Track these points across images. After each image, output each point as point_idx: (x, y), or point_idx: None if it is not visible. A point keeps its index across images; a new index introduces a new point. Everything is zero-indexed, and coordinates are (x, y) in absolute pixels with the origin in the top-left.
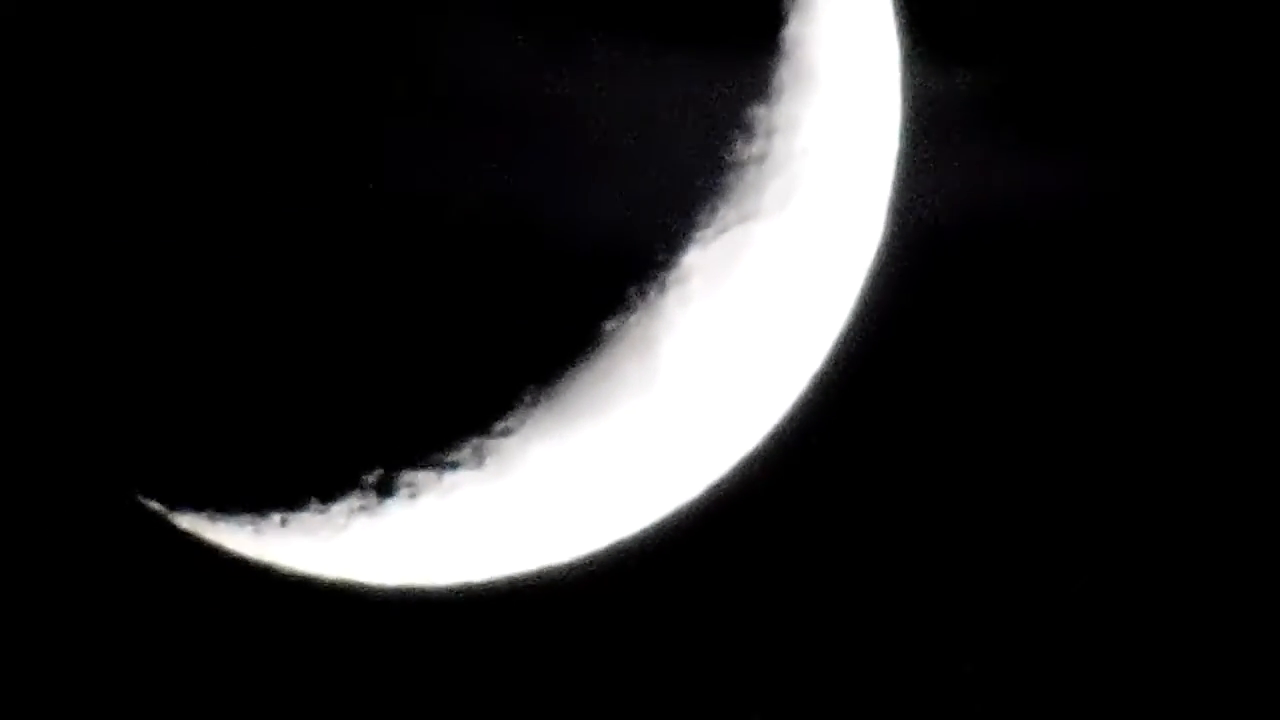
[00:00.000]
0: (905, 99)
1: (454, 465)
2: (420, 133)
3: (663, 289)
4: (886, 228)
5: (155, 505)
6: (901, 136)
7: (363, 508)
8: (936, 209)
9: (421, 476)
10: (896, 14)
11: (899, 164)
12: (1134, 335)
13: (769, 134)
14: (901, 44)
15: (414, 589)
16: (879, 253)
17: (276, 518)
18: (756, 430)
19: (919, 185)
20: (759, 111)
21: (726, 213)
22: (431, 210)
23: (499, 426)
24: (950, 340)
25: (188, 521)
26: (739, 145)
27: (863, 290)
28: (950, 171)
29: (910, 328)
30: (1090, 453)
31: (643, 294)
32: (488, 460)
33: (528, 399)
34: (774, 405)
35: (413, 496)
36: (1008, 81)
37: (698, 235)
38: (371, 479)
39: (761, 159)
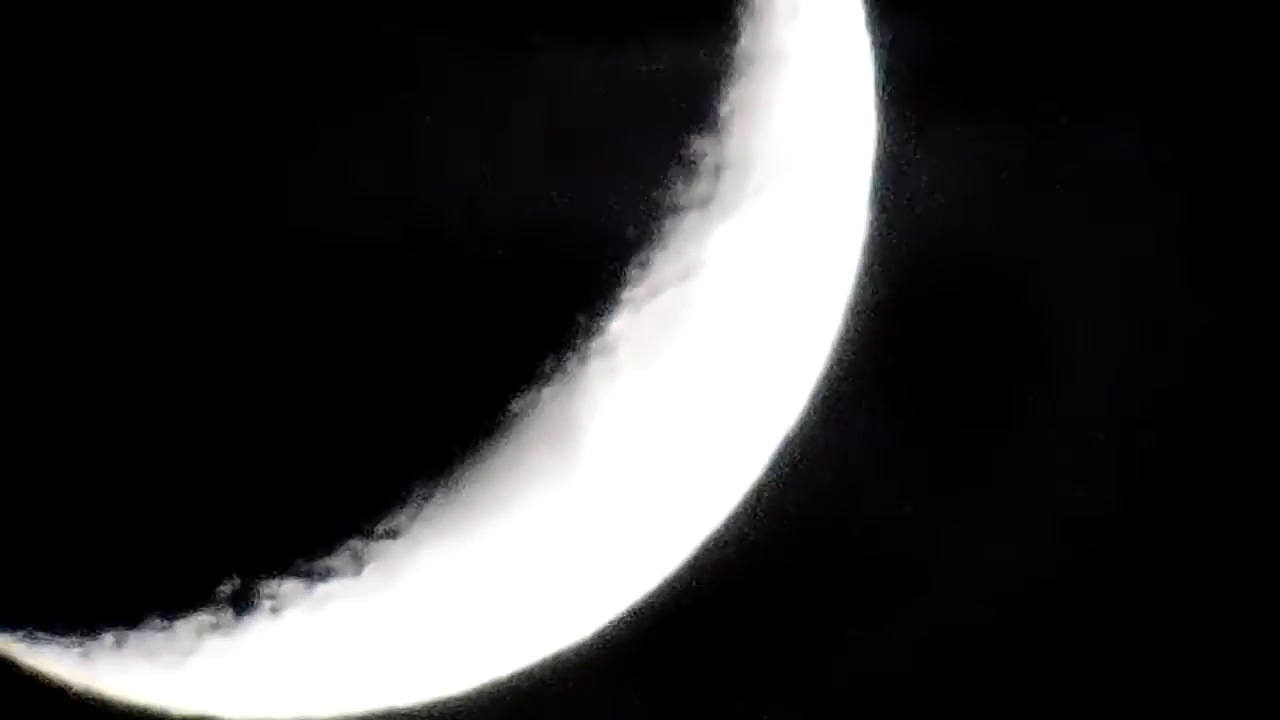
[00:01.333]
0: (883, 125)
1: (326, 573)
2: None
3: (584, 360)
4: (861, 282)
5: None
6: (878, 169)
7: (215, 625)
8: (922, 255)
9: (287, 587)
10: (870, 28)
11: (876, 205)
12: (1130, 317)
13: (715, 171)
14: (877, 61)
15: None
16: (850, 314)
17: (109, 638)
18: (700, 530)
19: (899, 228)
20: (703, 143)
21: (662, 268)
22: (302, 250)
23: (382, 526)
24: (946, 406)
25: None
26: (678, 185)
27: (830, 359)
28: (935, 211)
29: (894, 398)
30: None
31: (559, 366)
32: (368, 568)
33: (418, 493)
34: (723, 498)
35: (276, 612)
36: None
37: (626, 296)
38: (226, 590)
39: (705, 202)
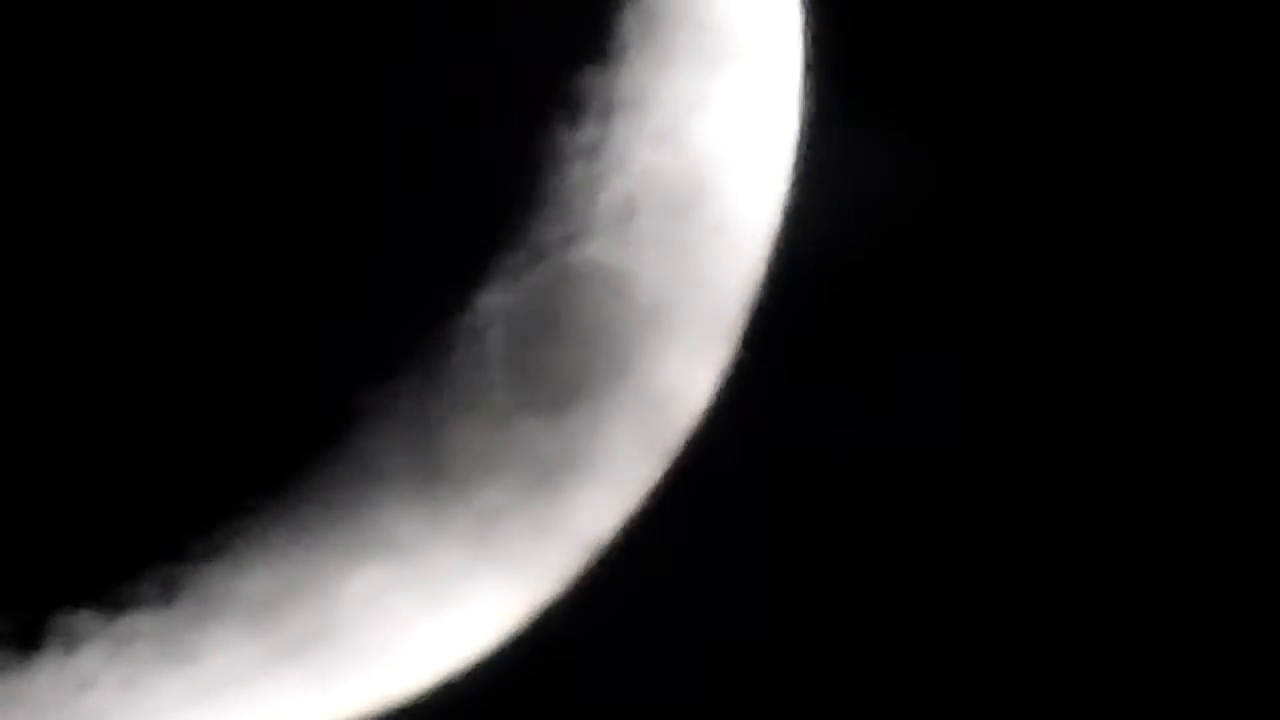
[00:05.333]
0: (811, 65)
1: (131, 604)
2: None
3: (445, 345)
4: (777, 253)
5: None
6: (803, 121)
7: None
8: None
9: (83, 621)
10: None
11: (800, 163)
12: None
13: (606, 112)
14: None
15: None
16: (763, 291)
17: None
18: (587, 544)
19: (823, 190)
20: (591, 79)
21: (541, 231)
22: (109, 227)
23: (199, 547)
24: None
25: None
26: (560, 130)
27: (740, 345)
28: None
29: (800, 397)
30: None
31: (416, 353)
32: (181, 596)
33: (245, 505)
34: (613, 505)
35: (70, 650)
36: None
37: (498, 265)
38: (7, 626)
39: (593, 151)
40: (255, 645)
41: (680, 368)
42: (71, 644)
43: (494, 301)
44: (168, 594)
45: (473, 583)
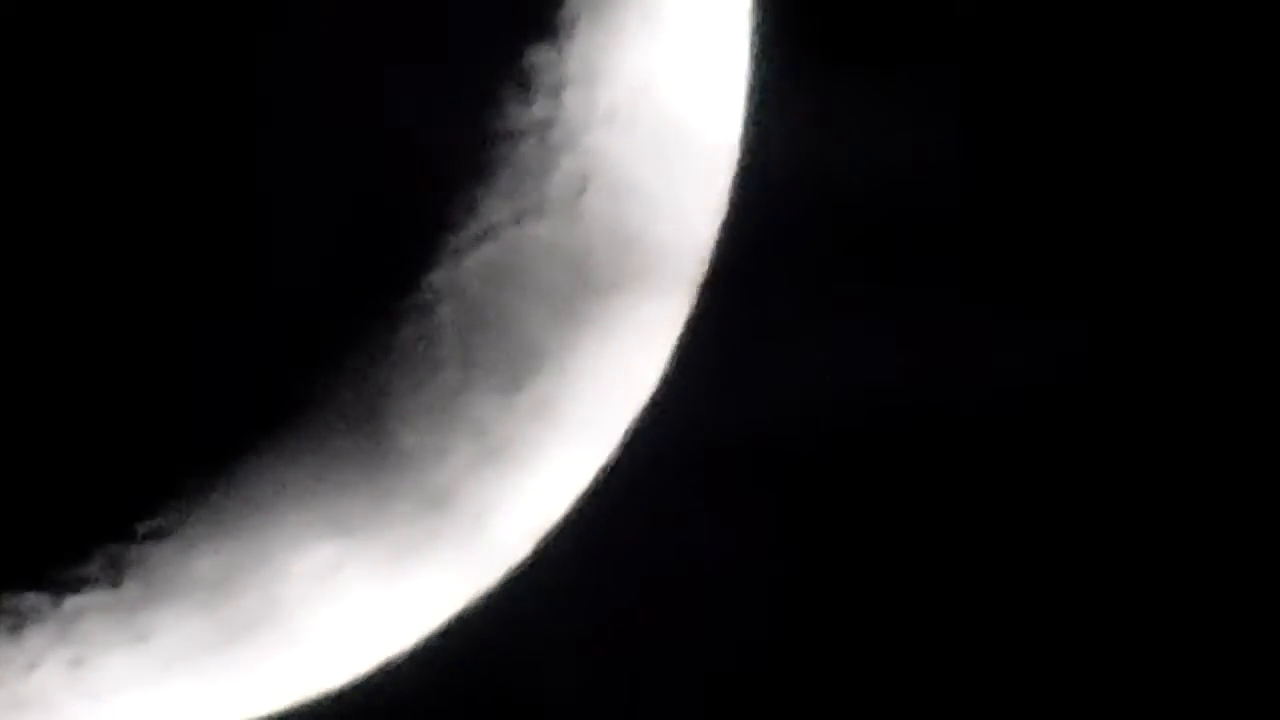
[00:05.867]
0: (759, 38)
1: (78, 584)
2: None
3: (393, 324)
4: (726, 226)
5: None
6: (752, 93)
7: None
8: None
9: (28, 601)
10: None
11: (749, 134)
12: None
13: (556, 89)
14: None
15: None
16: (713, 266)
17: None
18: (537, 524)
19: (773, 166)
20: (542, 55)
21: (492, 207)
22: (53, 196)
23: (147, 525)
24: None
25: None
26: (512, 106)
27: (690, 319)
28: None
29: (751, 378)
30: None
31: (363, 331)
32: (129, 576)
33: (193, 485)
34: (563, 488)
35: (15, 630)
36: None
37: (448, 242)
38: None
39: (545, 128)
40: (204, 624)
41: (633, 345)
42: (18, 624)
43: (444, 279)
44: (115, 574)
45: (421, 563)
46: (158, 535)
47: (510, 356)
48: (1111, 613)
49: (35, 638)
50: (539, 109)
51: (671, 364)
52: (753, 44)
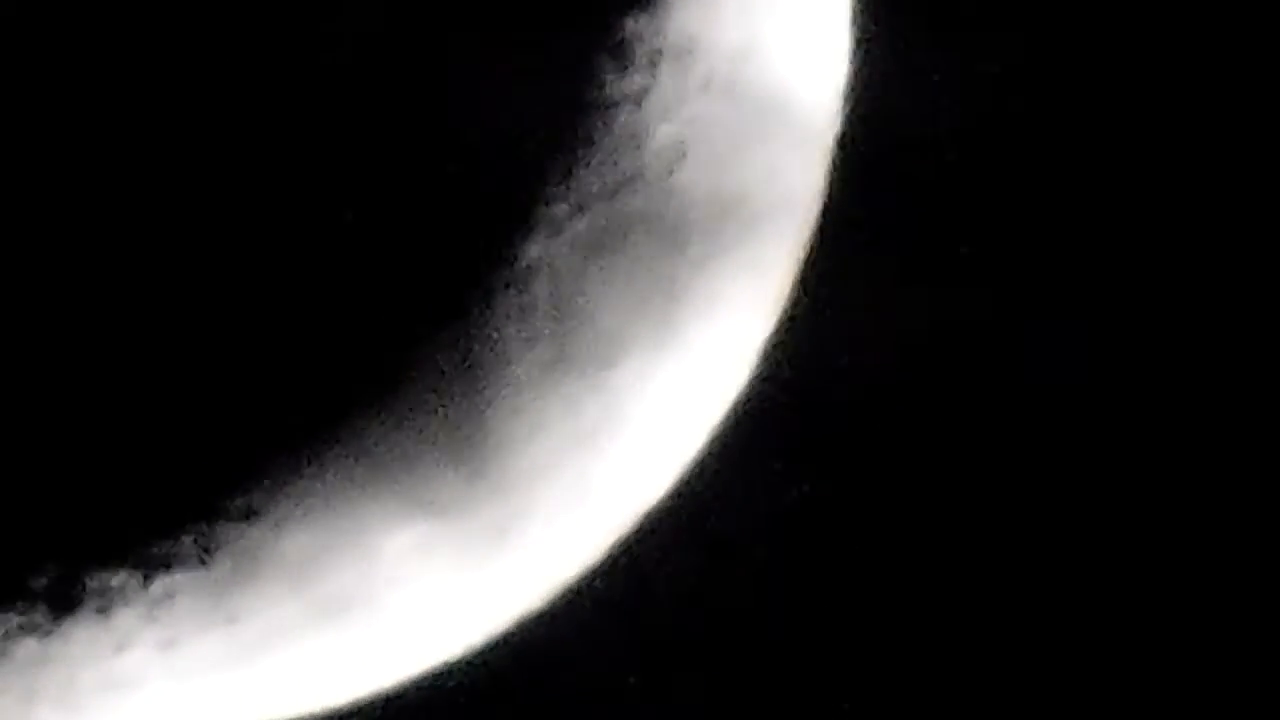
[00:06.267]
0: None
1: (167, 563)
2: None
3: (490, 297)
4: (828, 203)
5: None
6: (855, 66)
7: (27, 627)
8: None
9: (118, 580)
10: None
11: (851, 107)
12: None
13: (653, 59)
14: None
15: None
16: (815, 244)
17: None
18: (629, 508)
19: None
20: (637, 26)
21: (588, 180)
22: (130, 190)
23: (236, 505)
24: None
25: None
26: (607, 77)
27: (793, 295)
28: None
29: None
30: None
31: (457, 304)
32: (219, 556)
33: (281, 465)
34: (659, 470)
35: (104, 611)
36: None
37: (544, 215)
38: (41, 584)
39: (641, 98)
40: (294, 604)
41: (730, 325)
42: (106, 606)
43: (538, 252)
44: (205, 554)
45: (510, 545)
46: (247, 515)
47: (604, 332)
48: (1111, 612)
49: (125, 619)
50: (636, 79)
51: (775, 334)
52: (852, 8)
